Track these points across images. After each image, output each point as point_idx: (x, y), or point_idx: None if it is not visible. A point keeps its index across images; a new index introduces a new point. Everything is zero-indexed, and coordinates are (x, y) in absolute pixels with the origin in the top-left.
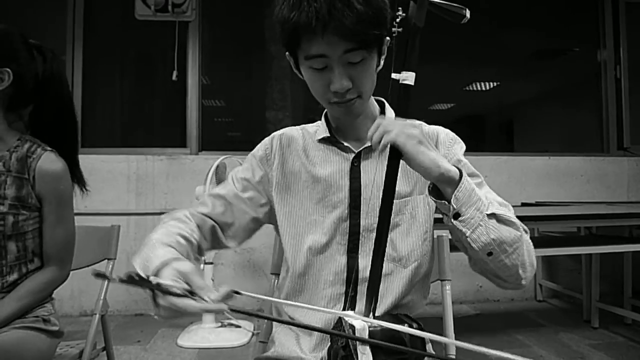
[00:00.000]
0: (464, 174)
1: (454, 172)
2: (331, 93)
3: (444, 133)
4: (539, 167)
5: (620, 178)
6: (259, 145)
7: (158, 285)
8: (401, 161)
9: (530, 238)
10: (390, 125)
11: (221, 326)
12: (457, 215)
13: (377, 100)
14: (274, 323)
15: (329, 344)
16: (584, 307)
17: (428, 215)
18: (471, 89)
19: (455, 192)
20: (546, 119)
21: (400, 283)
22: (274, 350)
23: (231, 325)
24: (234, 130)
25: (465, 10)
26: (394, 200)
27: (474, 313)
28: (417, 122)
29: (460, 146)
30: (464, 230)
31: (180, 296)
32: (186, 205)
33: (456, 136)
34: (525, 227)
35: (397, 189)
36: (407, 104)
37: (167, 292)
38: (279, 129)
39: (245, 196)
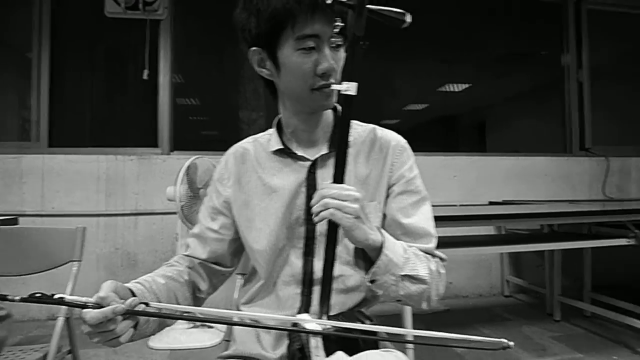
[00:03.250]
0: (384, 249)
1: (379, 242)
2: (317, 77)
3: (395, 141)
4: (507, 167)
5: (582, 177)
6: (216, 168)
7: (61, 300)
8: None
9: (497, 235)
10: (332, 201)
11: (193, 327)
12: (372, 281)
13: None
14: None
15: (287, 341)
16: (547, 301)
17: (379, 221)
18: (445, 89)
19: (373, 268)
20: (516, 120)
21: (355, 284)
22: (235, 348)
23: (203, 325)
24: (208, 129)
25: (406, 15)
26: None
27: (444, 309)
28: (371, 126)
29: (407, 155)
30: (377, 290)
31: (86, 308)
32: (157, 206)
33: (406, 146)
34: (442, 256)
35: None
36: (349, 115)
37: (69, 304)
38: (252, 129)
39: (215, 226)
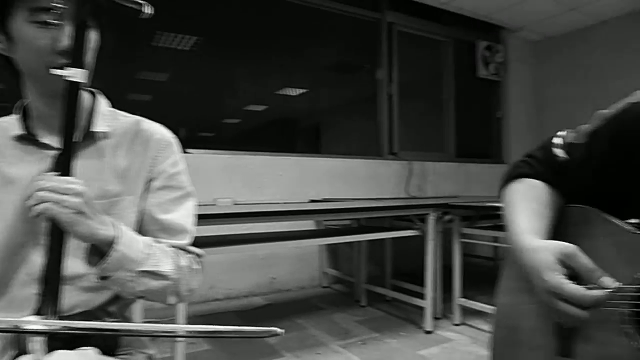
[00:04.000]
0: (116, 244)
1: (111, 238)
2: (57, 55)
3: (159, 134)
4: (328, 168)
5: (390, 178)
6: None
7: None
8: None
9: (316, 230)
10: (47, 194)
11: None
12: (104, 277)
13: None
14: None
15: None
16: (355, 289)
17: (135, 216)
18: (283, 93)
19: (102, 264)
20: (346, 125)
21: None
22: None
23: None
24: None
25: (145, 6)
26: (101, 201)
27: (265, 303)
28: (137, 118)
29: (172, 150)
30: (111, 286)
31: None
32: None
33: (172, 140)
34: (198, 252)
35: (106, 187)
36: (74, 103)
37: None
38: None
39: None
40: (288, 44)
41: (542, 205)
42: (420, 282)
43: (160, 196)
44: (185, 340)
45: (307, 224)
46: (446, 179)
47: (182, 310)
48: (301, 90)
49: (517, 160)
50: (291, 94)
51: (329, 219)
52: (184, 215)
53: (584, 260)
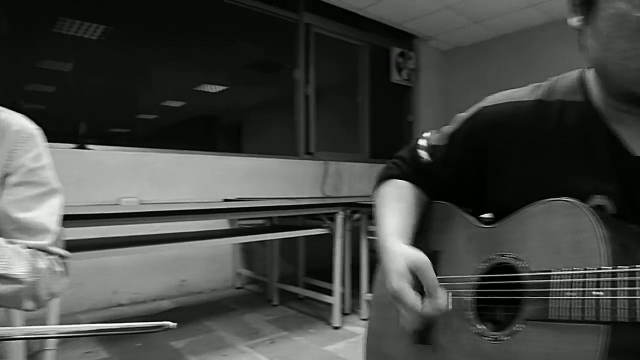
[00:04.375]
0: None
1: None
2: None
3: (18, 126)
4: (243, 167)
5: (306, 178)
6: None
7: None
8: None
9: (229, 230)
10: None
11: None
12: None
13: None
14: None
15: None
16: (268, 288)
17: None
18: (202, 90)
19: None
20: (267, 124)
21: None
22: None
23: None
24: None
25: None
26: None
27: (173, 307)
28: None
29: (34, 143)
30: None
31: None
32: None
33: (34, 132)
34: (62, 253)
35: None
36: None
37: None
38: None
39: None
40: (207, 39)
41: (408, 204)
42: (329, 278)
43: (18, 193)
44: (66, 340)
45: (221, 224)
46: (361, 179)
47: (54, 309)
48: (221, 88)
49: (388, 162)
50: (211, 90)
51: (241, 218)
52: (46, 213)
53: (429, 275)
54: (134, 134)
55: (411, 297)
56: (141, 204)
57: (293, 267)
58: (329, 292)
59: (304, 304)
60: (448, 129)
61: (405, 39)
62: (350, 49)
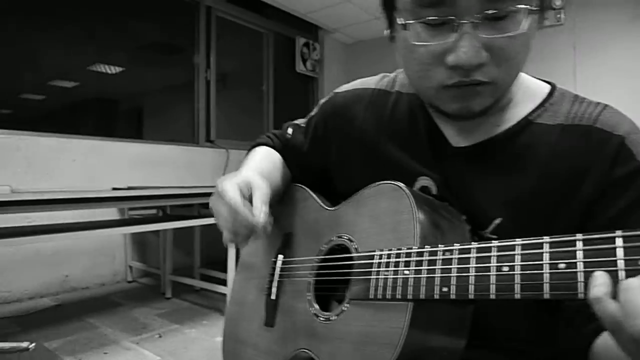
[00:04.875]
0: None
1: None
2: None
3: None
4: (135, 154)
5: (206, 166)
6: None
7: None
8: None
9: (118, 220)
10: None
11: None
12: None
13: None
14: None
15: None
16: (162, 281)
17: None
18: (97, 70)
19: None
20: (170, 109)
21: None
22: None
23: None
24: None
25: None
26: None
27: (53, 304)
28: None
29: None
30: None
31: None
32: None
33: None
34: None
35: None
36: None
37: None
38: None
39: None
40: (100, 14)
41: (274, 165)
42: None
43: None
44: None
45: (110, 215)
46: None
47: None
48: (118, 69)
49: (262, 135)
50: (107, 71)
51: (132, 208)
52: None
53: (262, 194)
54: (15, 116)
55: (235, 195)
56: (13, 192)
57: (190, 258)
58: (225, 283)
59: (200, 296)
60: (311, 113)
61: (311, 29)
62: (255, 36)
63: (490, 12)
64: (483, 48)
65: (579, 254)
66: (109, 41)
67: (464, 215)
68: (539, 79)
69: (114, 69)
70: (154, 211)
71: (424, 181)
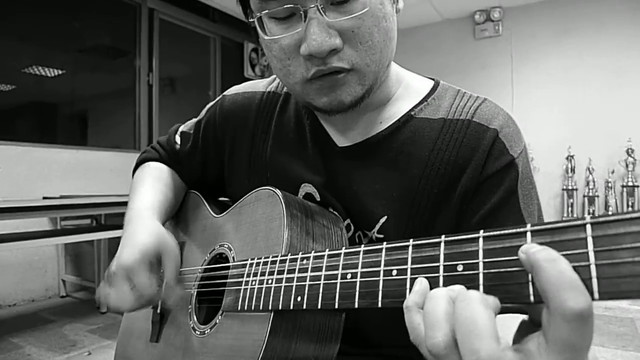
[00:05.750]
0: None
1: None
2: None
3: None
4: (69, 161)
5: None
6: None
7: None
8: None
9: (49, 231)
10: None
11: None
12: None
13: None
14: None
15: None
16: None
17: None
18: (35, 72)
19: None
20: (117, 115)
21: None
22: None
23: None
24: None
25: None
26: None
27: None
28: None
29: None
30: None
31: None
32: None
33: None
34: None
35: None
36: None
37: None
38: None
39: None
40: (38, 14)
41: (164, 184)
42: None
43: None
44: None
45: (41, 225)
46: None
47: None
48: (58, 71)
49: (148, 147)
50: (46, 74)
51: (65, 217)
52: None
53: (174, 263)
54: None
55: (143, 274)
56: None
57: None
58: None
59: None
60: (199, 117)
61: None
62: (202, 40)
63: None
64: (333, 33)
65: (409, 260)
66: (47, 42)
67: (346, 220)
68: (425, 77)
69: (53, 72)
70: (88, 221)
71: (307, 188)
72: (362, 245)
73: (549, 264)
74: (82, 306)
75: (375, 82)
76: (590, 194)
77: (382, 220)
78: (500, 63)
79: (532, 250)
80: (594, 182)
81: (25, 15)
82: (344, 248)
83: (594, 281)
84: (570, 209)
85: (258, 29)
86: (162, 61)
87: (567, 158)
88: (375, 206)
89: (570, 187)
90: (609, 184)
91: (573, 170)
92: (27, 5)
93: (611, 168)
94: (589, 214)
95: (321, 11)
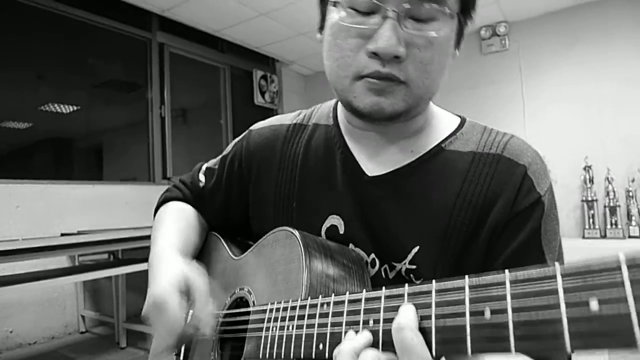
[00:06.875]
0: None
1: None
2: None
3: None
4: (85, 196)
5: None
6: None
7: None
8: None
9: (67, 268)
10: None
11: None
12: None
13: None
14: None
15: None
16: (115, 329)
17: None
18: (50, 109)
19: None
20: (131, 148)
21: None
22: None
23: None
24: None
25: None
26: None
27: None
28: None
29: None
30: None
31: None
32: None
33: None
34: None
35: None
36: None
37: None
38: None
39: None
40: (52, 54)
41: (187, 224)
42: None
43: None
44: None
45: (59, 261)
46: None
47: None
48: (73, 107)
49: (170, 185)
50: (61, 110)
51: (82, 254)
52: None
53: (204, 296)
54: None
55: (175, 309)
56: None
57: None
58: None
59: None
60: (224, 152)
61: (268, 62)
62: (212, 70)
63: (414, 5)
64: (403, 43)
65: (433, 304)
66: (63, 79)
67: (371, 255)
68: (452, 113)
69: (68, 108)
70: (105, 255)
71: (333, 220)
72: (384, 289)
73: None
74: (101, 341)
75: (417, 105)
76: (612, 204)
77: (415, 250)
78: (510, 77)
79: None
80: (614, 192)
81: (42, 55)
82: (364, 291)
83: (636, 329)
84: (591, 220)
85: (332, 12)
86: (174, 93)
87: (584, 169)
88: (407, 236)
89: (590, 199)
90: (630, 193)
91: (592, 180)
92: (44, 44)
93: (631, 177)
94: (611, 225)
95: (400, 19)
